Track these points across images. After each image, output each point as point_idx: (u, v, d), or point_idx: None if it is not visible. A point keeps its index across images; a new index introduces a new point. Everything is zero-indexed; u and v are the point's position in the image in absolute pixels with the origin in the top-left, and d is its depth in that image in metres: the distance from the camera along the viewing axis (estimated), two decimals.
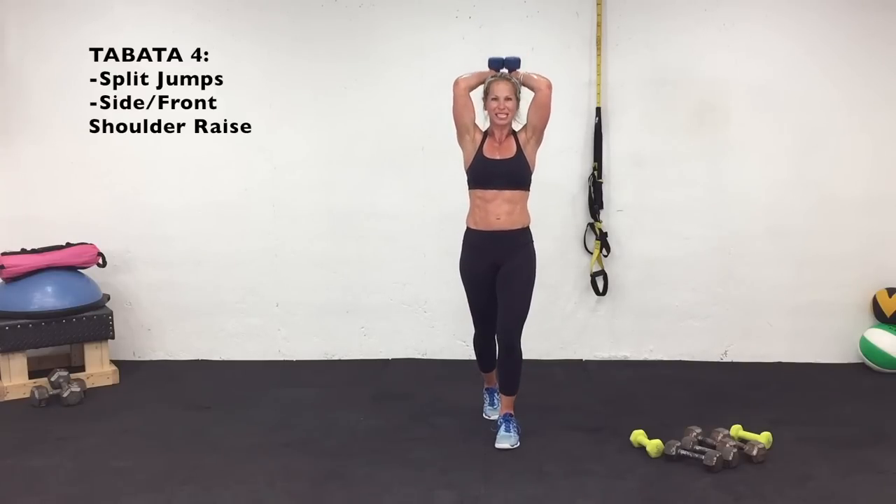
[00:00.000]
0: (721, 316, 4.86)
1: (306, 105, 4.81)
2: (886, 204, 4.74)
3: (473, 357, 3.95)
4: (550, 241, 4.73)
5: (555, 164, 4.68)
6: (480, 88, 3.64)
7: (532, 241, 3.66)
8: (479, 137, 3.62)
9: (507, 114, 3.55)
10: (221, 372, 4.80)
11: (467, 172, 3.65)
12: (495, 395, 3.94)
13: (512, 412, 3.69)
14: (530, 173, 3.62)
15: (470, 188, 3.64)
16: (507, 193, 3.55)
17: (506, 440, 3.61)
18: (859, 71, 4.66)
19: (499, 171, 3.56)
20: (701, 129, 4.73)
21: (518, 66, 3.62)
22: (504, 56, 3.63)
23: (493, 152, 3.59)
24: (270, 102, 4.82)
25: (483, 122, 3.68)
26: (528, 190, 3.64)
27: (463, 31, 4.68)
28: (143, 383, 4.57)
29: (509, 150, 3.59)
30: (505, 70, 3.63)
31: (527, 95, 3.65)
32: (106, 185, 4.86)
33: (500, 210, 3.54)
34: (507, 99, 3.53)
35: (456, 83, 3.60)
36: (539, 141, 3.64)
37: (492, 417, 3.91)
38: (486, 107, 3.61)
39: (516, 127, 3.64)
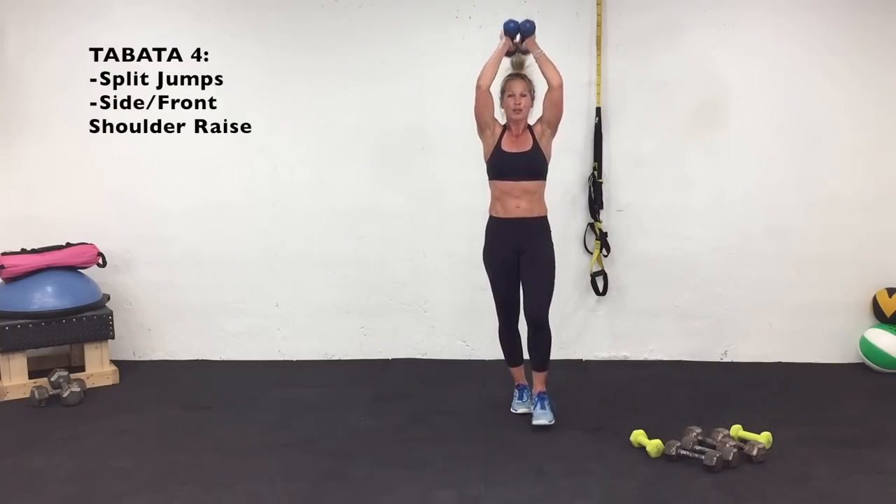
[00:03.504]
0: (721, 316, 4.86)
1: (306, 105, 4.81)
2: (886, 204, 4.74)
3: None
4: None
5: (555, 164, 4.64)
6: (497, 86, 3.76)
7: (550, 230, 3.85)
8: (498, 131, 3.79)
9: (523, 109, 3.70)
10: (221, 372, 4.80)
11: (487, 164, 3.83)
12: (525, 392, 4.00)
13: (545, 390, 3.86)
14: (546, 165, 3.81)
15: (490, 179, 3.83)
16: (525, 184, 3.73)
17: (543, 417, 3.77)
18: (859, 71, 4.66)
19: (516, 163, 3.73)
20: (701, 129, 4.73)
21: (533, 32, 3.73)
22: (520, 21, 3.73)
23: (510, 146, 3.76)
24: (270, 102, 4.82)
25: (501, 117, 3.81)
26: (545, 180, 3.82)
27: (463, 31, 4.68)
28: (143, 383, 4.57)
29: (526, 143, 3.76)
30: (518, 40, 3.75)
31: (541, 87, 3.74)
32: (106, 185, 4.86)
33: (519, 199, 3.73)
34: (522, 95, 3.70)
35: (478, 86, 3.71)
36: (554, 133, 3.81)
37: (519, 411, 3.95)
38: (502, 103, 3.75)
39: (531, 120, 3.79)
